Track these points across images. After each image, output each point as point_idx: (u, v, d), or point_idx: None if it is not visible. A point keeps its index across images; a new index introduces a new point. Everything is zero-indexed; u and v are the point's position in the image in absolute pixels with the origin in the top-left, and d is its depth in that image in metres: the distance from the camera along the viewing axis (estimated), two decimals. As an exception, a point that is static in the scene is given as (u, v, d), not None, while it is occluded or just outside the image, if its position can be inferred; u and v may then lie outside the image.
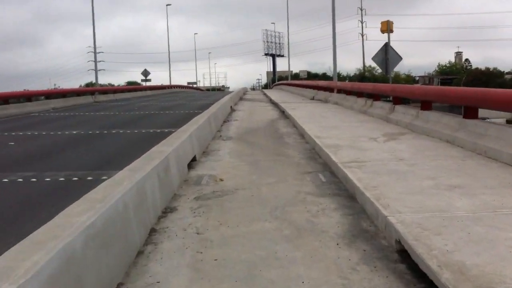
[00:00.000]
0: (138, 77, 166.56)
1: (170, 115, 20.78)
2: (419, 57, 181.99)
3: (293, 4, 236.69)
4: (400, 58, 19.51)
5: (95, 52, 51.13)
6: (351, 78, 79.76)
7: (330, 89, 24.63)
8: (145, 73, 55.08)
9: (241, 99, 35.96)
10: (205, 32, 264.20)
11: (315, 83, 29.63)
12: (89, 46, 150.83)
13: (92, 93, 33.36)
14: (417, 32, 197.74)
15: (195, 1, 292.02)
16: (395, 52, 19.44)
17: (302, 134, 12.52)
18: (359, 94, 19.62)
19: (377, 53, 19.74)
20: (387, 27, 21.42)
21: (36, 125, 17.76)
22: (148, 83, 58.08)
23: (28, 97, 25.38)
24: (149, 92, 49.94)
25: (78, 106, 28.02)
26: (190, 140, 9.12)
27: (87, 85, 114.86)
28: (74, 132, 14.98)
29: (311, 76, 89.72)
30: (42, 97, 27.37)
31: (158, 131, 14.73)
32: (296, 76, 77.28)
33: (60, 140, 13.43)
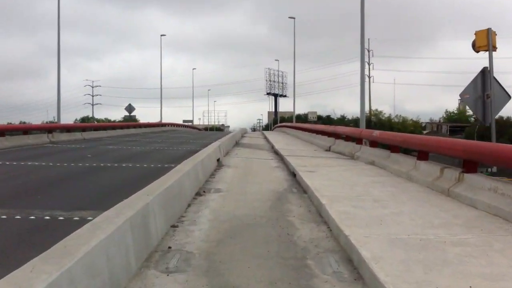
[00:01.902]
0: (139, 112, 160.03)
1: (112, 178, 13.60)
2: (423, 102, 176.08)
3: (296, 44, 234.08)
4: (509, 97, 12.45)
5: (92, 87, 44.65)
6: (352, 122, 73.31)
7: (357, 140, 17.74)
8: (129, 108, 48.30)
9: (237, 143, 29.07)
10: (207, 70, 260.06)
11: (333, 129, 22.70)
12: (87, 80, 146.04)
13: (49, 130, 26.42)
14: (420, 76, 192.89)
15: (199, 39, 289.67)
16: (501, 87, 12.31)
17: (352, 258, 5.58)
18: (406, 150, 12.89)
19: (467, 86, 12.71)
20: (487, 40, 13.08)
21: None
22: (154, 119, 51.38)
23: None
24: (132, 130, 43.11)
25: (18, 149, 21.07)
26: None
27: (83, 119, 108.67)
28: None
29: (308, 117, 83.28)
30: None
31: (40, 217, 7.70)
32: (301, 118, 70.74)
33: None
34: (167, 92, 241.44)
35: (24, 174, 13.17)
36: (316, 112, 55.57)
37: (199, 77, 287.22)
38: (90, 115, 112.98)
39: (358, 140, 17.60)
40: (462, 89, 12.92)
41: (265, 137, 40.45)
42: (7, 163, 15.40)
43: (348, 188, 9.90)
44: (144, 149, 22.47)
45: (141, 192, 6.76)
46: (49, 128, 26.88)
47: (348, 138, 19.73)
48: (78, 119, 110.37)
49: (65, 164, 15.37)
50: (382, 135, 14.71)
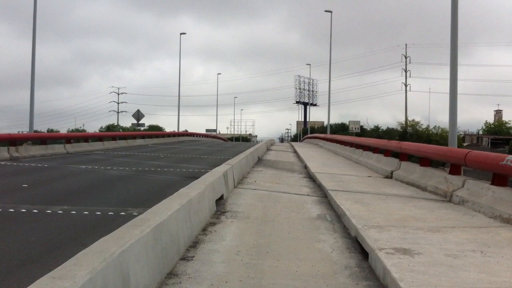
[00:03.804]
0: (167, 120, 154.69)
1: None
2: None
3: (325, 52, 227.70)
4: None
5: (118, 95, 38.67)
6: (389, 133, 65.46)
7: (452, 167, 10.74)
8: (138, 115, 41.70)
9: (259, 160, 22.29)
10: (237, 77, 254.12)
11: (397, 145, 15.52)
12: (112, 86, 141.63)
13: (12, 143, 20.02)
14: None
15: (230, 47, 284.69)
16: None
17: None
18: None
19: None
20: None
21: None
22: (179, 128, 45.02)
23: None
24: (139, 141, 36.75)
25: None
26: None
27: (108, 127, 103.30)
28: None
29: (339, 128, 75.89)
30: None
31: None
32: (332, 129, 63.50)
33: None
34: (195, 100, 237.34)
35: None
36: (359, 121, 48.26)
37: (228, 85, 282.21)
38: (116, 123, 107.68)
39: (453, 168, 10.56)
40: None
41: (295, 151, 33.52)
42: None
43: None
44: (121, 173, 15.79)
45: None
46: (11, 139, 20.38)
47: (424, 161, 12.70)
48: (103, 127, 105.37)
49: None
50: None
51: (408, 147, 14.42)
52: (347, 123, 77.60)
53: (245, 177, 14.82)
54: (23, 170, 15.84)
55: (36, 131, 76.69)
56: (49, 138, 23.63)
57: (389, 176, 14.76)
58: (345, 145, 27.21)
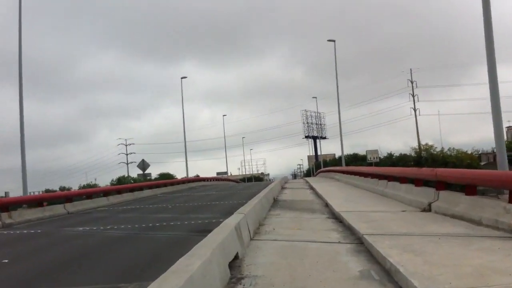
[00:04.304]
0: (177, 167, 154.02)
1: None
2: (465, 132, 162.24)
3: (329, 84, 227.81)
4: None
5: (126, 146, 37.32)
6: (403, 159, 63.13)
7: (511, 194, 8.83)
8: (143, 165, 40.02)
9: (275, 201, 20.40)
10: (243, 118, 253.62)
11: (430, 173, 13.51)
12: (119, 138, 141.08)
13: (3, 208, 18.30)
14: (460, 105, 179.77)
15: (234, 89, 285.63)
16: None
17: None
18: None
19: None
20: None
21: None
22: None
23: None
24: (146, 193, 34.99)
25: None
26: None
27: (119, 179, 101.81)
28: None
29: (351, 159, 73.42)
30: None
31: None
32: (347, 159, 61.62)
33: None
34: (204, 144, 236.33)
35: None
36: (377, 150, 46.07)
37: (235, 126, 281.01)
38: (126, 174, 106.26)
39: (515, 196, 8.66)
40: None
41: (311, 187, 31.56)
42: None
43: None
44: (121, 233, 13.94)
45: None
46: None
47: (470, 189, 10.78)
48: (114, 180, 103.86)
49: None
50: None
51: (447, 174, 12.45)
52: (359, 153, 75.40)
53: (261, 224, 12.94)
54: (10, 239, 14.05)
55: (62, 188, 75.08)
56: (45, 199, 21.85)
57: (427, 209, 12.80)
58: (365, 177, 25.26)
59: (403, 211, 13.30)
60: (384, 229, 9.96)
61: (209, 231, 11.28)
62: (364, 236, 9.19)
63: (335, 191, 25.05)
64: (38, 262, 9.70)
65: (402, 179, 17.01)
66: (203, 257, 5.85)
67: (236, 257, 8.11)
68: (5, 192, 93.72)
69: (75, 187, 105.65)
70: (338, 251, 8.78)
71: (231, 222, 9.13)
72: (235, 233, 8.53)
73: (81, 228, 15.16)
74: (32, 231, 15.48)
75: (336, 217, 14.02)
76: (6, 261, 9.96)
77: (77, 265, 9.06)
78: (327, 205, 17.94)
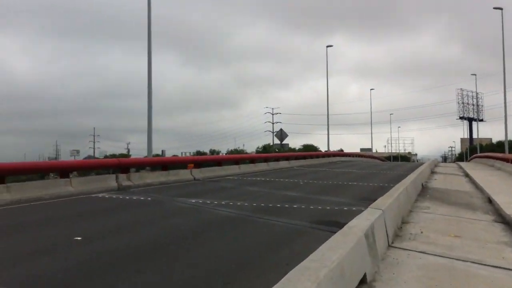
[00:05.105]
0: (321, 139, 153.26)
1: None
2: None
3: (488, 64, 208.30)
4: None
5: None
6: None
7: None
8: (281, 134, 38.25)
9: (423, 189, 17.16)
10: (393, 94, 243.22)
11: None
12: (267, 107, 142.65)
13: (123, 169, 17.31)
14: None
15: (384, 64, 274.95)
16: None
17: None
18: None
19: None
20: None
21: None
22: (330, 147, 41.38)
23: None
24: (282, 164, 33.27)
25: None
26: None
27: (264, 147, 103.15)
28: None
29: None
30: None
31: None
32: (501, 147, 54.29)
33: None
34: (350, 118, 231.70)
35: None
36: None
37: (383, 102, 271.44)
38: (272, 143, 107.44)
39: None
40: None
41: (467, 175, 27.27)
42: None
43: None
44: (231, 213, 11.84)
45: None
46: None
47: None
48: (260, 147, 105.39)
49: None
50: None
51: None
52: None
53: (405, 222, 10.02)
54: (112, 207, 12.69)
55: (175, 155, 77.48)
56: (167, 163, 20.71)
57: None
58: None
59: None
60: None
61: (337, 223, 8.75)
62: None
63: (498, 182, 20.88)
64: (109, 246, 7.69)
65: None
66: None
67: (363, 280, 5.42)
68: (162, 150, 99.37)
69: (223, 151, 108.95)
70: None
71: (360, 225, 6.38)
72: (364, 243, 5.82)
73: (193, 201, 13.41)
74: (142, 198, 14.12)
75: (507, 222, 10.57)
76: (80, 238, 8.19)
77: (149, 259, 6.95)
78: (490, 201, 14.34)
